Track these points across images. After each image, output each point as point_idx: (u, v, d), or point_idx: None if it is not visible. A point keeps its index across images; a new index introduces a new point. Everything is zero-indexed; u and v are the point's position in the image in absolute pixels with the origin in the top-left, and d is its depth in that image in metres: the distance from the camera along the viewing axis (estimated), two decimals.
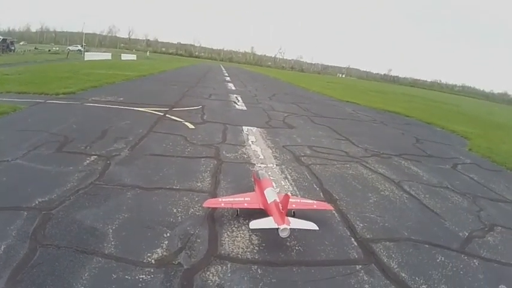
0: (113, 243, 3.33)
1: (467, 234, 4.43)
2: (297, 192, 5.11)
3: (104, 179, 4.89)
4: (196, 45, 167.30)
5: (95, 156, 5.82)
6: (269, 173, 5.79)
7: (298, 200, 4.26)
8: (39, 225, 3.51)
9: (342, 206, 4.77)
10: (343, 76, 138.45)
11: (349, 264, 3.42)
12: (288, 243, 3.61)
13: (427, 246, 3.93)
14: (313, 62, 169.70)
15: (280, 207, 3.61)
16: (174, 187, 4.86)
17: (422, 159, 8.16)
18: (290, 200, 4.09)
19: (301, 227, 3.56)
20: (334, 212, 4.51)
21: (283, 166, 6.36)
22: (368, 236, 3.99)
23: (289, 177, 5.78)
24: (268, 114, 12.47)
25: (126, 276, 2.89)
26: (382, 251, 3.72)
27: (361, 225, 4.24)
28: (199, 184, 5.07)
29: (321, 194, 5.20)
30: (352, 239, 3.89)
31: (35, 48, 64.43)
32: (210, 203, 4.08)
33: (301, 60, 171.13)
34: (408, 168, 7.26)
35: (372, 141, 9.53)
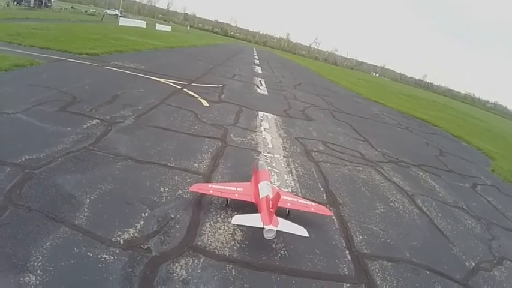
0: (85, 214, 3.09)
1: (474, 264, 3.98)
2: (299, 190, 4.74)
3: (98, 145, 4.67)
4: (232, 24, 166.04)
5: (97, 120, 5.62)
6: (273, 164, 5.47)
7: (295, 200, 3.88)
8: (18, 183, 3.33)
9: (344, 213, 4.38)
10: (377, 75, 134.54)
11: (337, 280, 3.04)
12: (273, 245, 3.27)
13: (428, 272, 3.50)
14: (348, 57, 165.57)
15: (270, 205, 3.25)
16: (169, 164, 4.58)
17: (442, 173, 7.58)
18: (285, 198, 3.77)
19: (289, 231, 3.19)
20: (333, 217, 4.13)
21: (291, 159, 5.98)
22: (365, 251, 3.59)
23: (294, 171, 5.40)
24: (288, 103, 12.02)
25: (88, 253, 2.64)
26: (377, 270, 3.31)
27: (360, 237, 3.84)
28: (196, 165, 4.77)
29: (324, 195, 4.81)
30: (347, 252, 3.50)
31: (72, 7, 65.33)
32: (198, 187, 3.76)
33: (336, 53, 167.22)
34: (425, 181, 6.73)
35: (392, 146, 8.99)
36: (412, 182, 6.42)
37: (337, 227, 3.96)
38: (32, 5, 46.67)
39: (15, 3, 47.20)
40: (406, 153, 8.57)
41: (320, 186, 5.09)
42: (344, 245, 3.61)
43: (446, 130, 15.24)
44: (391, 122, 13.86)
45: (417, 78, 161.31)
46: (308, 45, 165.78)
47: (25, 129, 4.68)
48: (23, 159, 3.81)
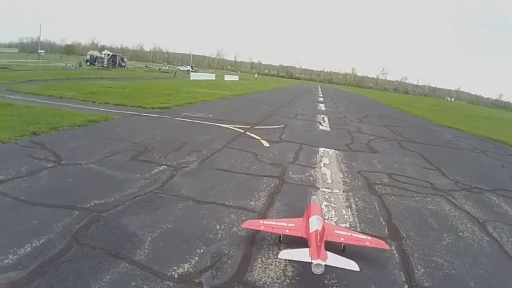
0: (145, 251, 3.37)
1: None
2: (357, 225, 4.57)
3: (163, 189, 5.09)
4: (297, 67, 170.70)
5: (165, 166, 6.13)
6: (332, 200, 5.38)
7: (349, 234, 3.76)
8: (85, 225, 3.76)
9: (407, 246, 4.09)
10: (452, 100, 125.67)
11: None
12: (325, 281, 3.19)
13: None
14: (419, 84, 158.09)
15: (318, 239, 3.21)
16: (226, 203, 4.79)
17: None
18: (339, 232, 3.72)
19: (339, 266, 3.09)
20: (394, 252, 3.89)
21: (351, 193, 5.82)
22: (426, 284, 3.30)
23: (353, 206, 5.24)
24: (352, 137, 11.80)
25: (144, 286, 2.86)
26: None
27: (422, 270, 3.55)
28: (252, 203, 4.91)
29: (386, 229, 4.56)
30: (406, 286, 3.25)
31: (146, 66, 72.97)
32: (250, 224, 3.87)
33: (406, 81, 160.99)
34: (499, 205, 6.06)
35: (465, 172, 8.27)
36: (485, 208, 5.84)
37: (398, 261, 3.72)
38: (105, 65, 51.85)
39: (88, 63, 53.52)
40: (480, 178, 7.85)
41: (382, 220, 4.85)
42: (403, 279, 3.36)
43: None
44: (465, 147, 12.81)
45: (493, 98, 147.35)
46: (375, 77, 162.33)
47: (96, 178, 5.30)
48: (92, 204, 4.30)
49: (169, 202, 4.64)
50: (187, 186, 5.28)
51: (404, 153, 10.01)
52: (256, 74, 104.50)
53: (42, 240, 3.38)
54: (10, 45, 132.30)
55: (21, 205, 4.12)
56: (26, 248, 3.22)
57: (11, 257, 3.06)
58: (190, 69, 67.29)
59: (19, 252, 3.14)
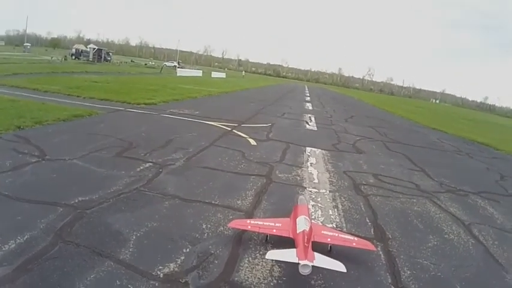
0: (130, 249, 3.30)
1: None
2: (344, 225, 4.59)
3: (149, 186, 5.00)
4: (284, 65, 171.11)
5: (150, 164, 6.04)
6: (318, 199, 5.40)
7: (336, 234, 3.77)
8: (69, 222, 3.66)
9: (393, 248, 4.13)
10: (437, 101, 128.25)
11: None
12: (312, 282, 3.18)
13: None
14: (404, 85, 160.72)
15: (305, 240, 3.21)
16: (213, 202, 4.74)
17: (501, 198, 6.91)
18: (326, 233, 3.73)
19: (326, 266, 3.09)
20: (380, 253, 3.93)
21: (337, 193, 5.85)
22: (412, 286, 3.34)
23: (339, 206, 5.27)
24: (338, 137, 11.89)
25: (129, 285, 2.80)
26: None
27: (408, 272, 3.58)
28: (239, 202, 4.88)
29: (372, 230, 4.59)
30: None
31: (131, 61, 71.96)
32: (237, 223, 3.83)
33: (391, 82, 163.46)
34: (484, 208, 6.18)
35: (450, 174, 8.41)
36: (470, 210, 5.93)
37: (384, 262, 3.74)
38: (91, 59, 51.18)
39: (74, 57, 52.64)
40: (465, 181, 7.97)
41: (368, 220, 4.88)
42: (390, 281, 3.39)
43: (508, 153, 13.92)
44: (450, 149, 13.05)
45: (478, 101, 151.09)
46: (361, 78, 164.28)
47: (81, 174, 5.19)
48: (76, 201, 4.20)
49: (155, 200, 4.56)
50: (173, 184, 5.21)
51: (390, 154, 10.14)
52: (243, 72, 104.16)
53: (26, 236, 3.29)
54: None
55: (4, 200, 4.02)
56: (10, 244, 3.14)
57: None
58: (177, 65, 66.59)
59: (3, 249, 3.06)
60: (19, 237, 3.26)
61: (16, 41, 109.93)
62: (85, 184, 4.78)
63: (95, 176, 5.15)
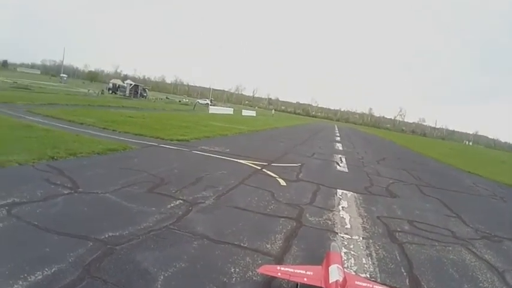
0: None
1: None
2: (378, 275, 4.34)
3: (178, 224, 4.99)
4: (313, 105, 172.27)
5: (181, 201, 6.07)
6: (351, 247, 5.17)
7: (370, 286, 3.55)
8: (98, 257, 3.68)
9: None
10: (470, 143, 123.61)
11: None
12: None
13: None
14: (437, 126, 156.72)
15: None
16: (242, 244, 4.64)
17: None
18: (359, 283, 3.52)
19: None
20: None
21: (371, 241, 5.58)
22: None
23: (374, 254, 5.00)
24: (370, 179, 11.55)
25: None
26: None
27: None
28: (268, 246, 4.74)
29: (407, 280, 4.31)
30: None
31: (166, 97, 74.87)
32: (266, 269, 3.69)
33: (423, 124, 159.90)
34: None
35: (485, 220, 8.08)
36: (504, 257, 5.66)
37: None
38: (127, 94, 53.13)
39: (110, 91, 54.92)
40: (500, 226, 7.67)
41: (403, 270, 4.60)
42: None
43: None
44: (485, 193, 12.54)
45: (511, 142, 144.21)
46: (393, 118, 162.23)
47: (112, 208, 5.26)
48: (106, 236, 4.22)
49: (184, 239, 4.53)
50: (203, 224, 5.17)
51: (425, 198, 9.72)
52: (273, 110, 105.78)
53: (53, 269, 3.32)
54: (32, 66, 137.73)
55: (33, 230, 4.11)
56: (36, 275, 3.17)
57: (21, 283, 3.01)
58: (209, 103, 68.60)
59: (29, 279, 3.09)
60: (46, 269, 3.29)
61: (52, 71, 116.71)
62: (116, 219, 4.83)
63: (126, 211, 5.20)
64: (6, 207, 4.64)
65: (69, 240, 3.97)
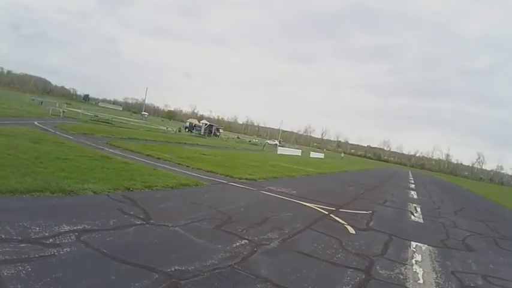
0: None
1: None
2: None
3: (243, 265, 4.99)
4: (385, 149, 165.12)
5: (246, 241, 6.10)
6: None
7: None
8: None
9: None
10: None
11: None
12: None
13: None
14: None
15: None
16: None
17: None
18: None
19: None
20: None
21: None
22: None
23: None
24: (447, 231, 10.53)
25: None
26: None
27: None
28: None
29: None
30: None
31: (237, 137, 78.06)
32: None
33: (501, 171, 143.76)
34: None
35: None
36: None
37: None
38: (202, 133, 56.59)
39: (187, 130, 58.74)
40: None
41: None
42: None
43: None
44: None
45: None
46: (470, 165, 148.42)
47: (180, 242, 5.44)
48: (173, 269, 4.34)
49: (247, 281, 4.50)
50: (267, 266, 5.11)
51: (500, 252, 8.87)
52: (342, 153, 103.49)
53: None
54: (114, 103, 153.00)
55: (101, 258, 4.29)
56: None
57: None
58: (278, 144, 69.60)
59: None
60: None
61: (133, 108, 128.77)
62: (183, 253, 4.99)
63: (194, 246, 5.37)
64: (76, 233, 4.92)
65: (136, 271, 4.12)
